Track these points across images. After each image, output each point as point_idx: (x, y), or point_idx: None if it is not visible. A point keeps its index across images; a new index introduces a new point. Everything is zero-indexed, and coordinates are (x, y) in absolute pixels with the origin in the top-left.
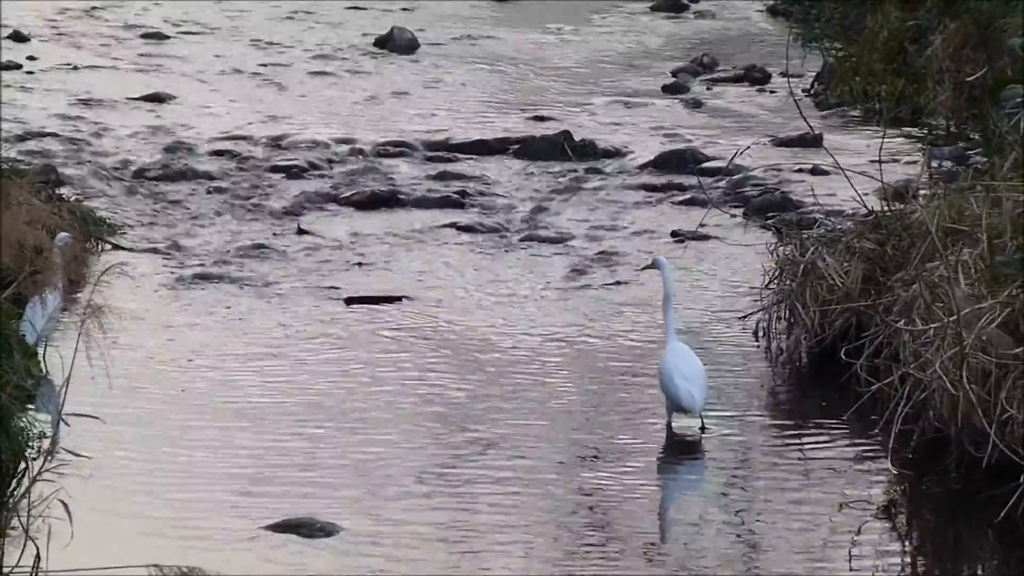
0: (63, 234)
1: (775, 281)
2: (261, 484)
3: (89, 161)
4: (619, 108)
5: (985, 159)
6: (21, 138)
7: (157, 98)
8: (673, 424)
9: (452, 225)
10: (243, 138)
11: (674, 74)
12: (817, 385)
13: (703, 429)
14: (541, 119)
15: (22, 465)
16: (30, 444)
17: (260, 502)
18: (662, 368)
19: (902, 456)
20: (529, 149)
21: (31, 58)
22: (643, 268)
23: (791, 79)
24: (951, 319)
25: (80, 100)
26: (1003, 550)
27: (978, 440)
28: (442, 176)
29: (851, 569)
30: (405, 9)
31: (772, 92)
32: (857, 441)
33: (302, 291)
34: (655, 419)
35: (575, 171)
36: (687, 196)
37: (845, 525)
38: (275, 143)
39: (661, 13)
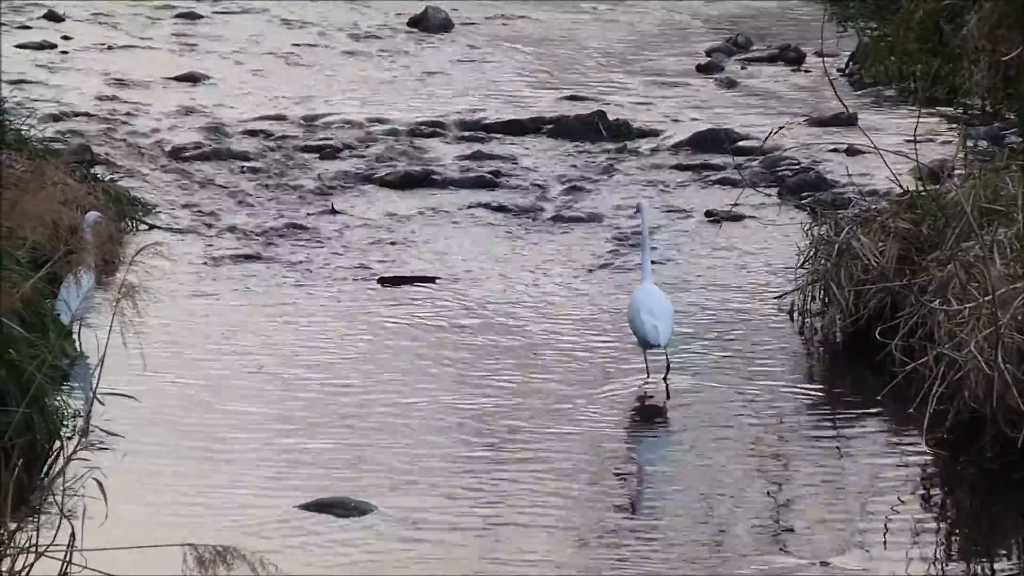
0: (92, 213)
1: (810, 261)
2: (295, 463)
3: (124, 141)
4: (653, 88)
5: (1021, 139)
6: (56, 118)
7: (191, 78)
8: (650, 365)
9: (486, 205)
10: (277, 118)
11: (708, 54)
12: (852, 365)
13: (667, 376)
14: (575, 99)
15: (57, 444)
16: (65, 423)
17: (294, 482)
18: (630, 304)
19: (937, 436)
20: (563, 129)
21: (66, 38)
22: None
23: (826, 59)
24: (986, 299)
25: (115, 80)
26: None
27: (1013, 420)
28: (476, 156)
29: (885, 549)
30: None
31: (807, 72)
32: (892, 421)
33: (336, 271)
34: (686, 397)
35: (609, 151)
36: (721, 176)
37: (879, 505)
38: (309, 123)
39: None
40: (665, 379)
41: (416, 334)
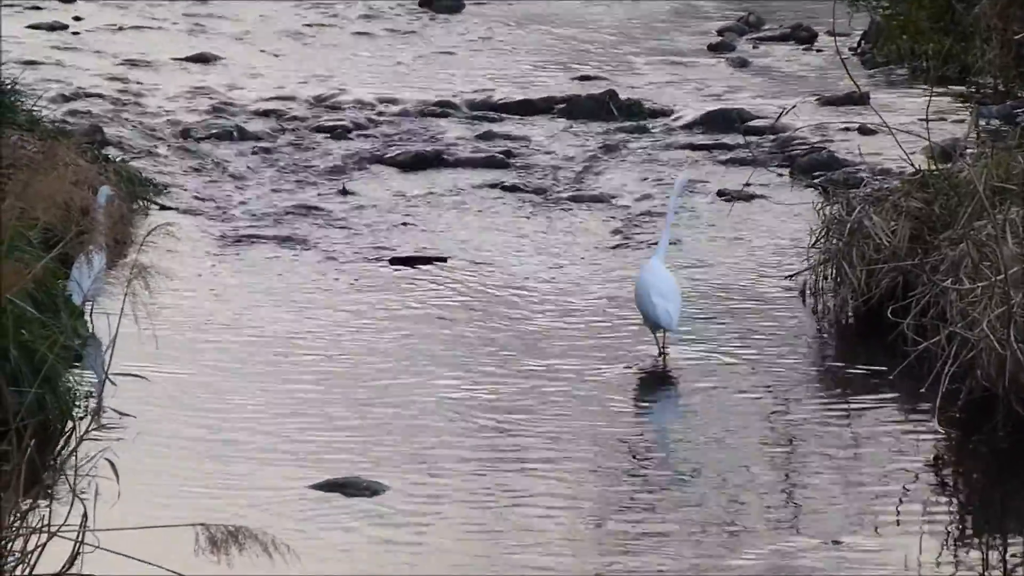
0: (105, 187)
1: (822, 240)
2: (306, 444)
3: (135, 122)
4: (665, 67)
5: None
6: (67, 98)
7: (202, 58)
8: (660, 344)
9: (497, 185)
10: (288, 98)
11: (720, 33)
12: (864, 344)
13: (663, 354)
14: (587, 78)
15: (69, 424)
16: (77, 404)
17: (305, 462)
18: (638, 285)
19: (949, 415)
20: (574, 109)
21: (77, 18)
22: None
23: (838, 38)
24: (999, 278)
25: (126, 60)
26: None
27: None
28: (487, 136)
29: (898, 527)
30: None
31: (819, 51)
32: (904, 400)
33: (347, 251)
34: (697, 377)
35: (621, 131)
36: (733, 155)
37: (892, 484)
38: (320, 103)
39: None
40: (662, 353)
41: (427, 314)
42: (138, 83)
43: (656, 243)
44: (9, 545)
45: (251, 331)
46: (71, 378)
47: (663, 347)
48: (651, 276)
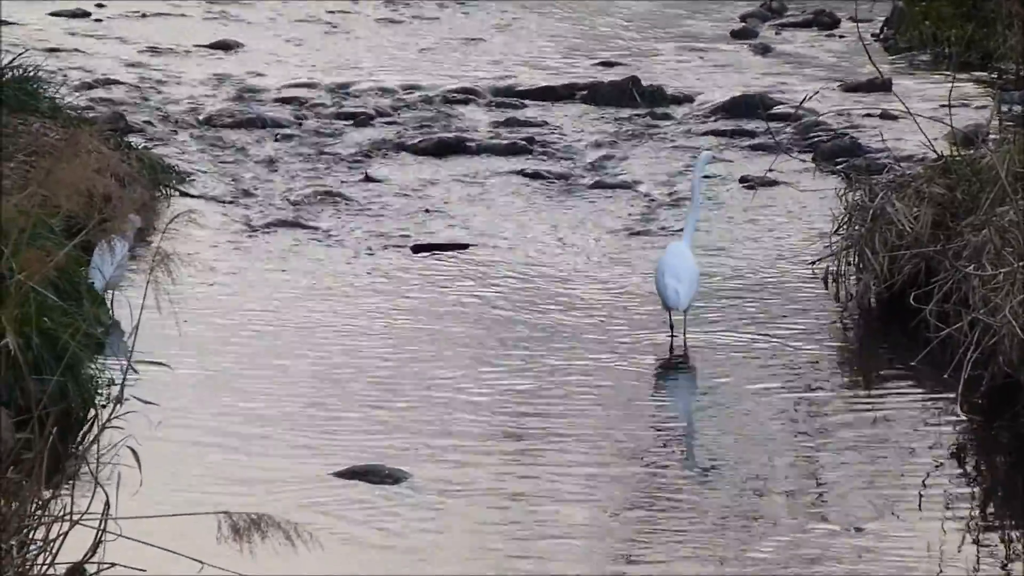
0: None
1: (844, 227)
2: (329, 431)
3: (157, 109)
4: (687, 53)
5: None
6: (89, 86)
7: (224, 46)
8: (673, 326)
9: (519, 172)
10: (310, 85)
11: (743, 19)
12: (886, 331)
13: (673, 334)
14: (609, 65)
15: (91, 412)
16: (99, 391)
17: (328, 449)
18: (657, 264)
19: (971, 402)
20: (597, 95)
21: (99, 6)
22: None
23: (860, 24)
24: (1021, 264)
25: (148, 48)
26: None
27: None
28: (509, 122)
29: (920, 514)
30: None
31: (841, 37)
32: (926, 387)
33: (369, 238)
34: (720, 362)
35: (643, 117)
36: (756, 141)
37: (914, 471)
38: (342, 90)
39: None
40: (684, 336)
41: (450, 301)
42: (160, 70)
43: (683, 225)
44: (31, 533)
45: (274, 318)
46: (93, 366)
47: (677, 333)
48: (670, 257)
